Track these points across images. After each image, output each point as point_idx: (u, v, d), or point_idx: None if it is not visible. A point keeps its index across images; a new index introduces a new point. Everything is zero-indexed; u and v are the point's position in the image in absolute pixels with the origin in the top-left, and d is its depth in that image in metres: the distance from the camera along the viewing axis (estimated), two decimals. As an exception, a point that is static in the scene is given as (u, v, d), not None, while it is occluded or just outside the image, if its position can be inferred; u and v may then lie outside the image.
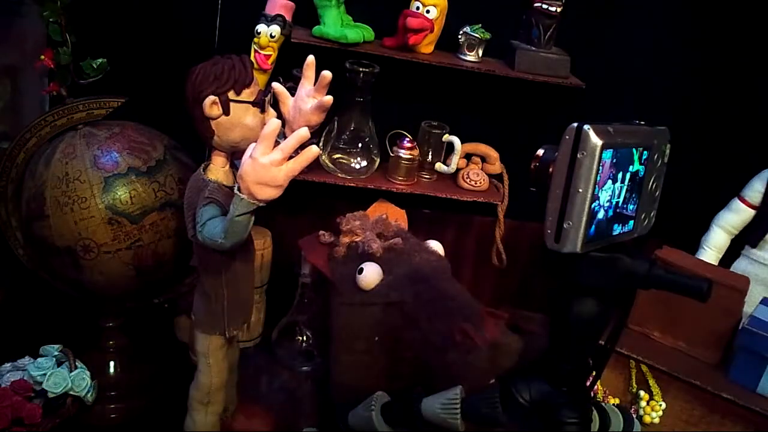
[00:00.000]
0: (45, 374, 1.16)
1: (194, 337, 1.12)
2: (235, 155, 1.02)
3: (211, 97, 0.95)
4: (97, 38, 1.31)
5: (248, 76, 0.97)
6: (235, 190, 0.89)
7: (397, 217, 1.48)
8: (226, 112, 0.96)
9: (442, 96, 1.57)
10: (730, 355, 1.37)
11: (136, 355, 1.38)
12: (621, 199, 0.68)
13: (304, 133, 0.85)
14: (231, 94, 0.96)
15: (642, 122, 0.72)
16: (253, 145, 0.86)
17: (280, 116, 1.00)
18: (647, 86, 1.61)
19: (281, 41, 1.34)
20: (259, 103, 0.98)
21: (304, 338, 1.38)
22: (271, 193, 0.88)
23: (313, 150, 0.85)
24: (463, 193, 1.53)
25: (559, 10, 1.41)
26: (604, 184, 0.64)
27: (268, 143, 0.85)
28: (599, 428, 0.80)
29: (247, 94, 0.97)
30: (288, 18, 1.34)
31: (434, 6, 1.36)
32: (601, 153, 0.61)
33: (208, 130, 0.98)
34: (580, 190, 0.62)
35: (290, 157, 0.87)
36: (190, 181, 1.02)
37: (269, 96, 1.00)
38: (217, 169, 1.01)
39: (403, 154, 1.46)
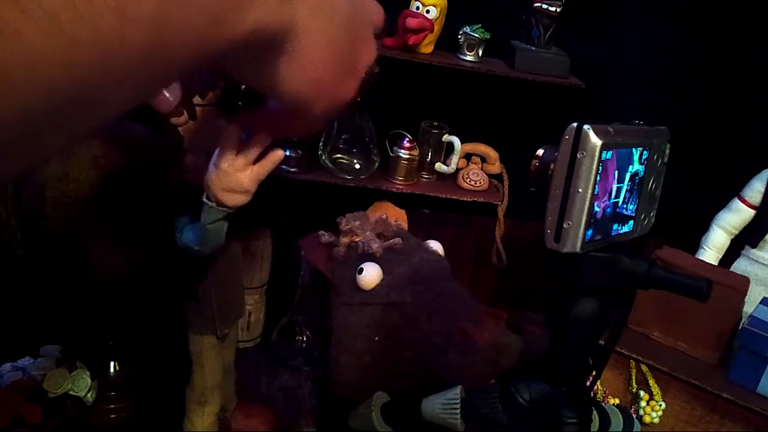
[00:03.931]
0: (45, 374, 1.16)
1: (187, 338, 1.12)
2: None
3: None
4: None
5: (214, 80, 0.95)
6: (203, 199, 0.88)
7: (397, 217, 1.48)
8: (192, 116, 0.95)
9: (442, 96, 1.57)
10: (730, 355, 1.37)
11: (136, 355, 1.38)
12: (621, 199, 0.68)
13: (264, 136, 0.84)
14: (196, 98, 0.95)
15: (642, 122, 0.72)
16: (217, 151, 0.85)
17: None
18: (647, 86, 1.61)
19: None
20: (225, 105, 0.97)
21: (304, 338, 1.38)
22: (239, 199, 0.86)
23: (278, 153, 0.84)
24: (463, 193, 1.53)
25: (559, 10, 1.42)
26: (604, 183, 0.64)
27: (229, 149, 0.83)
28: (599, 428, 0.80)
29: (213, 97, 0.96)
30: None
31: (434, 6, 1.36)
32: (600, 153, 0.61)
33: (177, 136, 0.97)
34: (580, 190, 0.62)
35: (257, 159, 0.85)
36: (170, 183, 1.02)
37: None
38: (195, 173, 1.00)
39: (403, 154, 1.46)
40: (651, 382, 1.35)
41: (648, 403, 1.36)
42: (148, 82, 0.22)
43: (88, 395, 1.21)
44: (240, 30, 0.24)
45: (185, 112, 0.91)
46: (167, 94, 0.78)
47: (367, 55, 0.34)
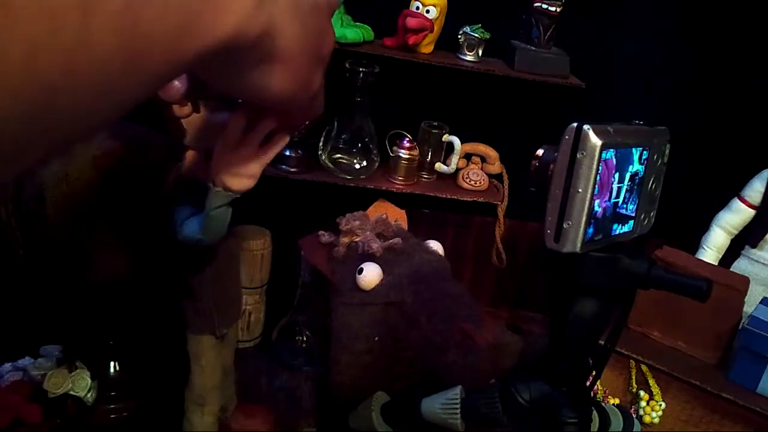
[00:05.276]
0: (45, 374, 1.16)
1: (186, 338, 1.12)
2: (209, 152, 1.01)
3: None
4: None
5: None
6: (209, 184, 0.88)
7: (397, 217, 1.48)
8: (197, 109, 0.95)
9: (442, 96, 1.57)
10: (730, 355, 1.37)
11: (136, 355, 1.38)
12: (621, 199, 0.68)
13: (269, 122, 0.84)
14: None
15: (642, 122, 0.72)
16: (223, 136, 0.85)
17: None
18: (647, 86, 1.61)
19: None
20: (228, 99, 0.97)
21: (304, 338, 1.38)
22: (245, 183, 0.87)
23: (283, 137, 0.84)
24: (463, 193, 1.53)
25: (559, 10, 1.42)
26: (604, 184, 0.64)
27: (235, 134, 0.84)
28: (599, 428, 0.80)
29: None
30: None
31: (434, 6, 1.36)
32: (600, 153, 0.61)
33: (179, 130, 0.97)
34: (580, 190, 0.62)
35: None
36: (169, 181, 1.01)
37: None
38: (193, 167, 1.00)
39: (403, 154, 1.46)
40: (651, 382, 1.35)
41: (648, 403, 1.36)
42: (123, 91, 0.21)
43: (88, 395, 1.21)
44: (216, 35, 0.23)
45: (190, 103, 0.92)
46: (176, 82, 0.78)
47: (329, 40, 0.34)
